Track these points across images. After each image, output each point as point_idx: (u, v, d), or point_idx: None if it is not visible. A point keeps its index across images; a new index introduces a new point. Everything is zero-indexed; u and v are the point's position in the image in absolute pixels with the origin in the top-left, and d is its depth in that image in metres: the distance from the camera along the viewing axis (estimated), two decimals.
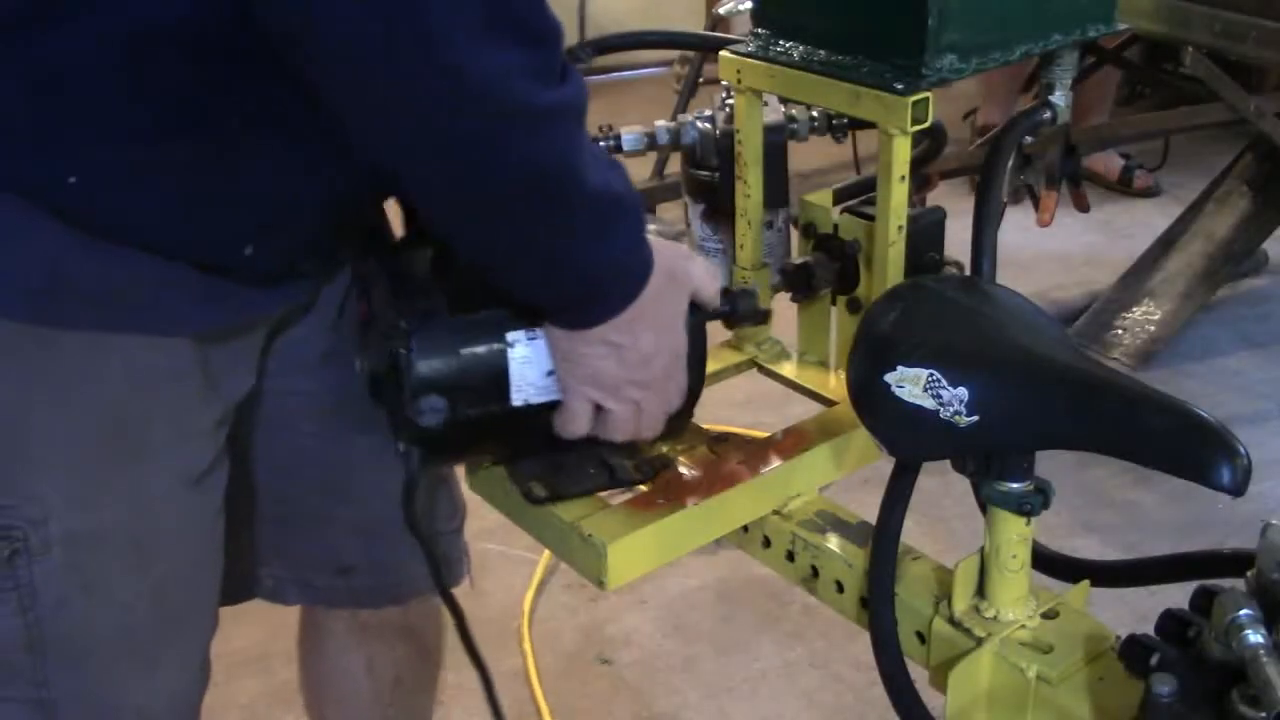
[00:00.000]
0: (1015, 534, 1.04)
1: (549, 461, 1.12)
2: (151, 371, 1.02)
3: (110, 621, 1.06)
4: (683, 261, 1.05)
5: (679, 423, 1.11)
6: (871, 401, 1.02)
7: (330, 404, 1.25)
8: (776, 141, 1.33)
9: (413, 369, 1.00)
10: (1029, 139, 1.29)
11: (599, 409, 1.05)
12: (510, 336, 1.02)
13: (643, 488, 1.14)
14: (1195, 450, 0.88)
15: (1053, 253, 3.62)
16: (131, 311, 0.99)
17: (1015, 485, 1.01)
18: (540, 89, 0.87)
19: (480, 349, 1.02)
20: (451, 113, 0.85)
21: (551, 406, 1.06)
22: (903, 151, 1.14)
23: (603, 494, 1.13)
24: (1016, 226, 3.81)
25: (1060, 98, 1.24)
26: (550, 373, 1.04)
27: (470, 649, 1.22)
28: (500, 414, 1.04)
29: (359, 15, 0.81)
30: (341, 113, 0.88)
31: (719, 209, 1.36)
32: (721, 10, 3.43)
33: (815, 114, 1.43)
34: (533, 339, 1.03)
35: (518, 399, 1.04)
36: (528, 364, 1.03)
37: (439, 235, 1.02)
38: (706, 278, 1.07)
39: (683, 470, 1.16)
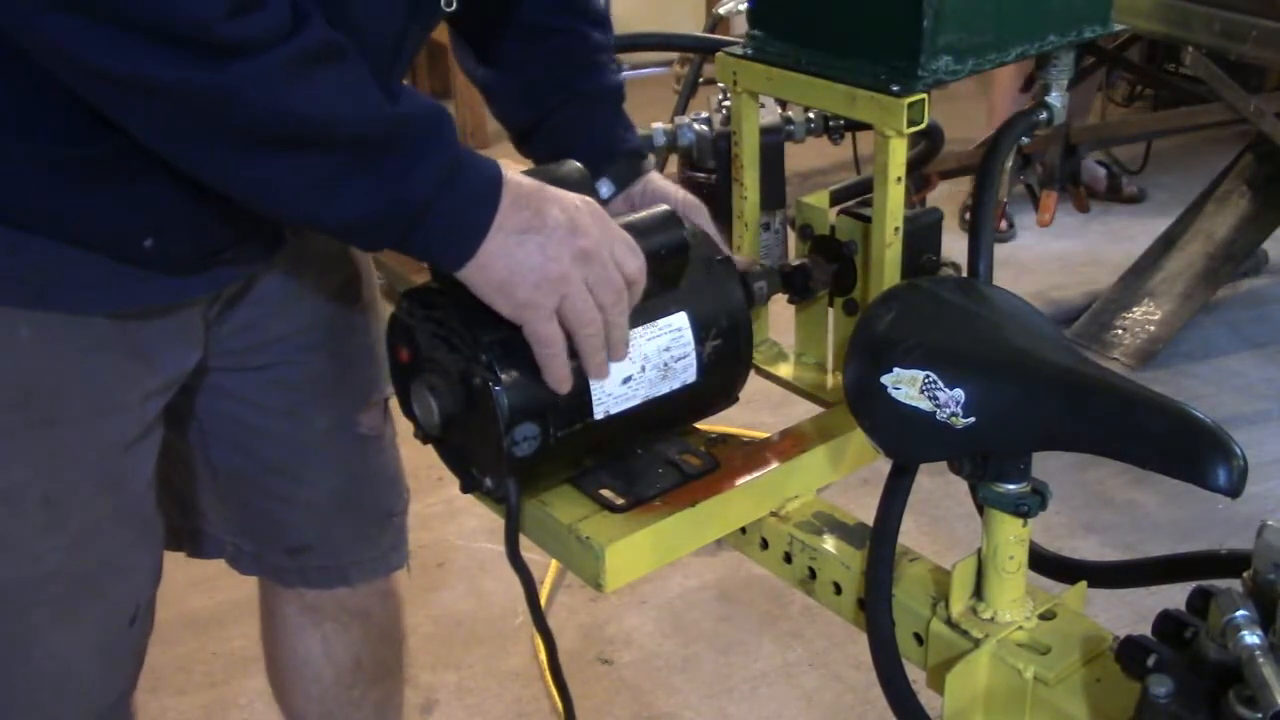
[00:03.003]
0: (1012, 535, 1.04)
1: (612, 470, 1.12)
2: (62, 345, 1.04)
3: (19, 572, 1.08)
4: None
5: (670, 264, 1.07)
6: (868, 403, 1.02)
7: (289, 383, 1.26)
8: (773, 143, 1.33)
9: (504, 401, 1.00)
10: (1026, 140, 1.29)
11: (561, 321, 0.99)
12: None
13: None
14: (1192, 451, 0.87)
15: (1053, 253, 3.62)
16: (39, 290, 1.01)
17: (1012, 487, 1.01)
18: (222, 23, 0.82)
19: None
20: (121, 60, 0.83)
21: (627, 415, 1.06)
22: (899, 153, 1.14)
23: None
24: (1016, 227, 3.84)
25: (1057, 99, 1.24)
26: (626, 380, 1.04)
27: (556, 674, 1.22)
28: (584, 430, 1.04)
29: None
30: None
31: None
32: (721, 10, 3.43)
33: (812, 116, 1.43)
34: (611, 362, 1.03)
35: (600, 411, 1.04)
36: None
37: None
38: None
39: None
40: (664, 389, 1.07)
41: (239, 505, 1.36)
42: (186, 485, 1.34)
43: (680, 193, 1.21)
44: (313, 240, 1.22)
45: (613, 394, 1.04)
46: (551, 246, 0.96)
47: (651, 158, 1.23)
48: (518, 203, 0.96)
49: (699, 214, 1.18)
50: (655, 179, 1.23)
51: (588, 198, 1.01)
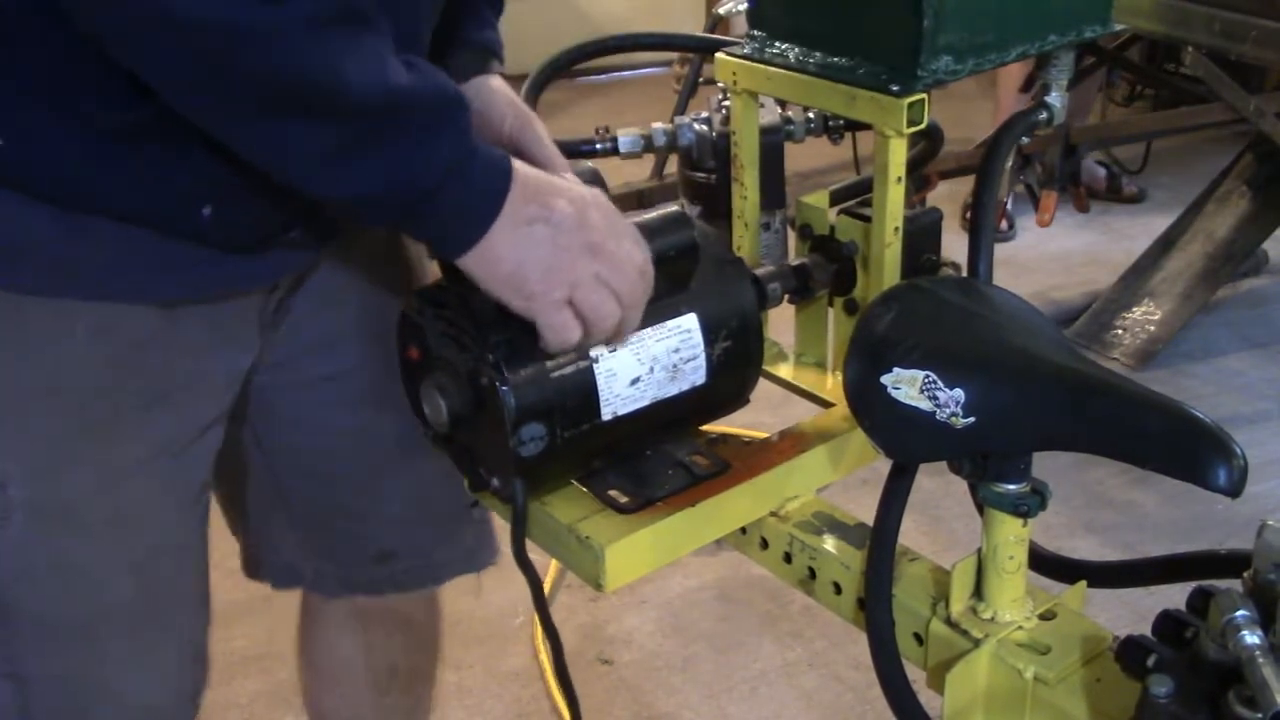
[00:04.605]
0: (1012, 535, 1.04)
1: (621, 471, 1.12)
2: (118, 339, 1.00)
3: (86, 599, 1.03)
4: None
5: (680, 265, 1.06)
6: (868, 403, 1.02)
7: (353, 389, 1.21)
8: (773, 143, 1.33)
9: (511, 401, 0.99)
10: (1026, 140, 1.29)
11: (575, 313, 0.97)
12: (594, 352, 1.02)
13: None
14: (1191, 451, 0.87)
15: (1053, 253, 3.62)
16: (94, 279, 0.97)
17: (1012, 486, 1.01)
18: (254, 4, 0.81)
19: (568, 370, 1.02)
20: (164, 35, 0.81)
21: (635, 416, 1.06)
22: (899, 153, 1.14)
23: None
24: (1016, 227, 3.84)
25: (1056, 99, 1.24)
26: (634, 381, 1.04)
27: (562, 676, 1.22)
28: (592, 430, 1.04)
29: None
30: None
31: (716, 211, 1.36)
32: (721, 10, 3.43)
33: (811, 115, 1.43)
34: (613, 351, 1.03)
35: (607, 413, 1.04)
36: (612, 376, 1.03)
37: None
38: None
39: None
40: (672, 390, 1.07)
41: (316, 530, 1.31)
42: (258, 517, 1.30)
43: (515, 105, 1.13)
44: (364, 231, 1.16)
45: (620, 395, 1.04)
46: (561, 237, 0.95)
47: (499, 64, 1.16)
48: (526, 194, 0.94)
49: (535, 125, 1.11)
50: (494, 83, 1.15)
51: (596, 190, 1.00)
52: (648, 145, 1.46)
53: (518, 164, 0.95)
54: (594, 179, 1.09)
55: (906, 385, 0.98)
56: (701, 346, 1.08)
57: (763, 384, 1.25)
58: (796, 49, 1.20)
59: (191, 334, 1.04)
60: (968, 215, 1.95)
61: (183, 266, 0.99)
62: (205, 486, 1.13)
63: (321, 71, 0.84)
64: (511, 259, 0.94)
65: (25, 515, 0.98)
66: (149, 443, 1.04)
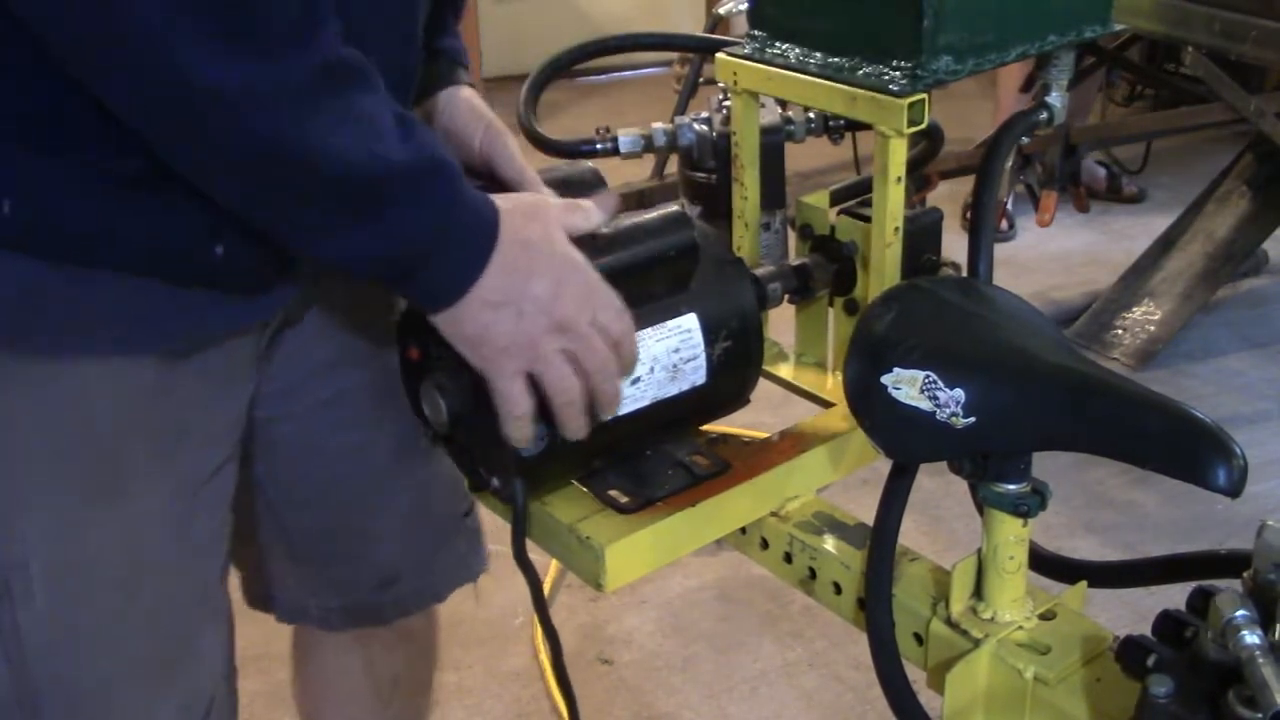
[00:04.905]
0: (1012, 535, 1.04)
1: (621, 471, 1.12)
2: (130, 391, 0.98)
3: (106, 656, 1.02)
4: (533, 199, 1.01)
5: (679, 265, 1.06)
6: (868, 403, 1.02)
7: (352, 410, 1.21)
8: (773, 143, 1.33)
9: None
10: (1026, 140, 1.29)
11: (533, 379, 0.98)
12: None
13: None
14: (1191, 451, 0.88)
15: (1053, 253, 3.62)
16: (104, 334, 0.95)
17: (1012, 486, 1.01)
18: (231, 64, 0.79)
19: None
20: (141, 89, 0.80)
21: (635, 416, 1.06)
22: (899, 153, 1.14)
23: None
24: (1017, 227, 3.83)
25: (1056, 99, 1.24)
26: (634, 381, 1.04)
27: (561, 676, 1.22)
28: (592, 430, 1.03)
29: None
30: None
31: (716, 211, 1.36)
32: (721, 10, 3.43)
33: (812, 115, 1.43)
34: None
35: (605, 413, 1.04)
36: None
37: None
38: (566, 208, 1.01)
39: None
40: (672, 390, 1.07)
41: (319, 563, 1.30)
42: (261, 556, 1.28)
43: (486, 119, 1.12)
44: None
45: (620, 394, 1.04)
46: (526, 319, 0.94)
47: (466, 74, 1.16)
48: (505, 267, 0.93)
49: (507, 141, 1.10)
50: (463, 94, 1.14)
51: (583, 260, 0.98)
52: (648, 145, 1.46)
53: (508, 224, 0.94)
54: (594, 179, 1.09)
55: (907, 385, 0.98)
56: (702, 346, 1.08)
57: (763, 384, 1.25)
58: (797, 49, 1.20)
59: (196, 379, 1.02)
60: (968, 215, 1.96)
61: (192, 310, 0.98)
62: (224, 528, 1.11)
63: (314, 144, 0.83)
64: (476, 326, 0.94)
65: (48, 588, 0.97)
66: (163, 494, 1.03)
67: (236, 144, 0.82)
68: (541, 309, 0.95)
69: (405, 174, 0.88)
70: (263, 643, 2.07)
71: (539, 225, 0.96)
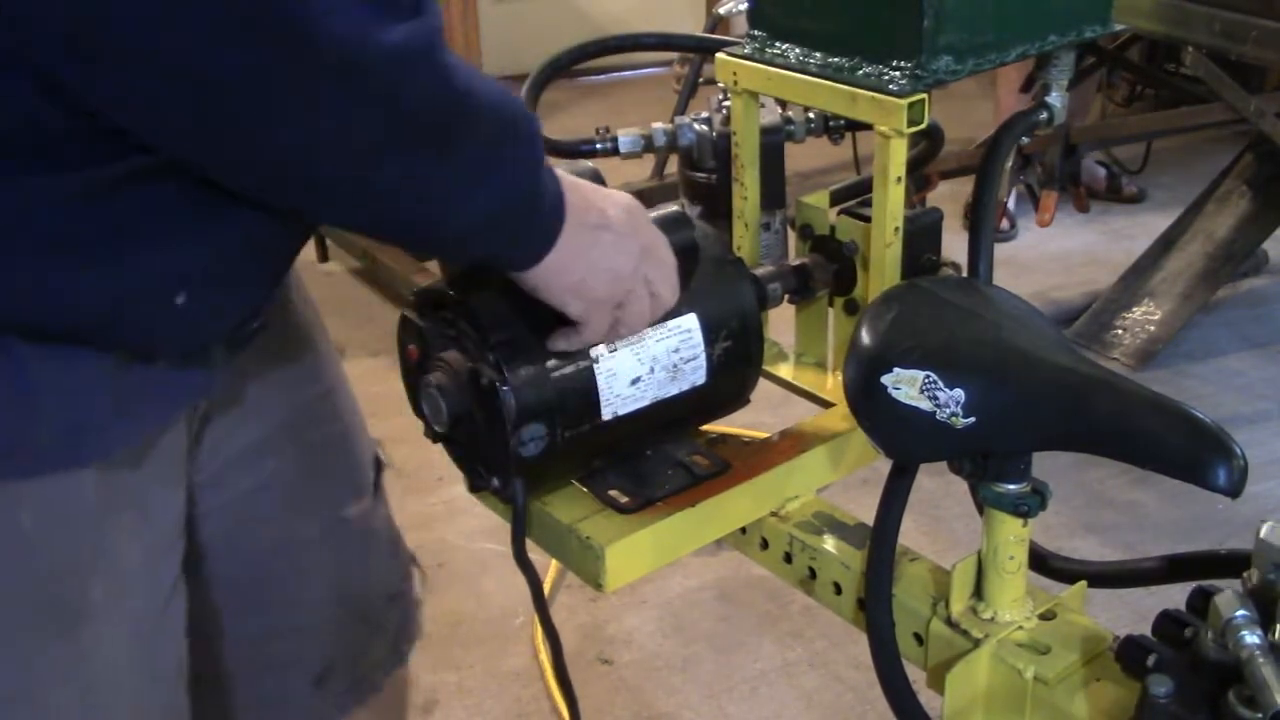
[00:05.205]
0: (1012, 535, 1.04)
1: (621, 471, 1.12)
2: (67, 514, 0.86)
3: None
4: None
5: (683, 264, 1.05)
6: (868, 403, 1.02)
7: (278, 497, 1.13)
8: (773, 143, 1.33)
9: (511, 401, 1.00)
10: (1026, 140, 1.29)
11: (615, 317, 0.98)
12: (594, 352, 1.02)
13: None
14: (1191, 451, 0.88)
15: (1053, 253, 3.62)
16: (41, 450, 0.83)
17: (1012, 487, 1.02)
18: (387, 25, 0.74)
19: (569, 369, 1.02)
20: (299, 78, 0.73)
21: (635, 416, 1.06)
22: (899, 153, 1.14)
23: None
24: (1018, 227, 3.83)
25: (1057, 99, 1.24)
26: (634, 381, 1.04)
27: (561, 676, 1.21)
28: (592, 430, 1.04)
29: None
30: (194, 146, 0.75)
31: (716, 211, 1.36)
32: (721, 10, 3.43)
33: (812, 115, 1.43)
34: (613, 351, 1.03)
35: (607, 413, 1.04)
36: (613, 376, 1.03)
37: (353, 228, 0.91)
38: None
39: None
40: (672, 390, 1.07)
41: (251, 673, 1.19)
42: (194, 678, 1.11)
43: None
44: (272, 326, 1.04)
45: (621, 395, 1.04)
46: (623, 243, 0.95)
47: None
48: (583, 200, 0.93)
49: None
50: None
51: (627, 194, 1.00)
52: (648, 145, 1.46)
53: (558, 170, 0.93)
54: (594, 179, 1.09)
55: (907, 385, 0.98)
56: (702, 346, 1.08)
57: (763, 384, 1.25)
58: (797, 49, 1.20)
59: (133, 486, 0.92)
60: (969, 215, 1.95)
61: (136, 399, 0.88)
62: (181, 659, 1.01)
63: (466, 87, 0.80)
64: (579, 268, 0.93)
65: None
66: (123, 627, 0.92)
67: (407, 98, 0.77)
68: (629, 232, 0.96)
69: (523, 113, 0.86)
70: None
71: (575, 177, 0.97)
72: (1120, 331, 3.07)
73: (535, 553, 1.10)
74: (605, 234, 0.94)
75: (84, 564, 0.88)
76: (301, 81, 0.73)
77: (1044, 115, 1.23)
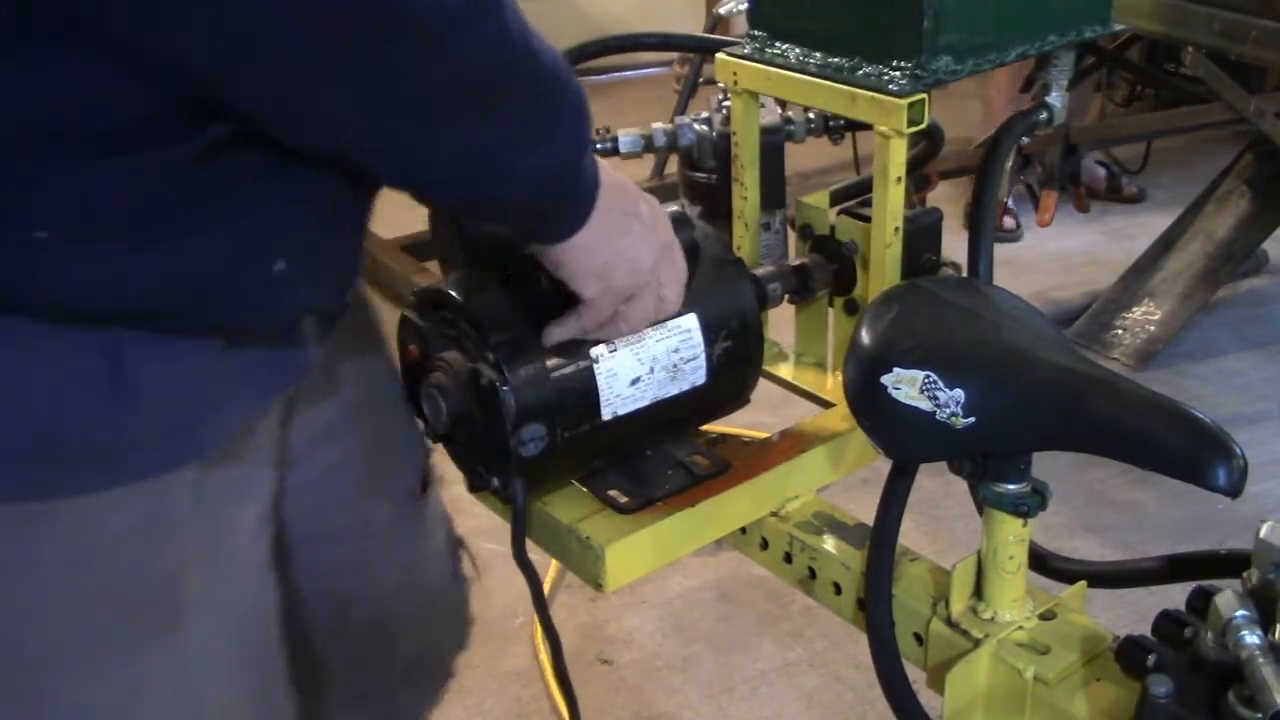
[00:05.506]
0: (1012, 535, 1.04)
1: (621, 471, 1.12)
2: (173, 512, 0.86)
3: None
4: None
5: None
6: (868, 403, 1.02)
7: (349, 479, 1.11)
8: (773, 143, 1.33)
9: (511, 401, 1.00)
10: (1026, 140, 1.29)
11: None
12: (594, 352, 1.03)
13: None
14: (1191, 451, 0.88)
15: (1053, 253, 3.62)
16: (140, 451, 0.82)
17: (1012, 487, 1.02)
18: None
19: (569, 370, 1.02)
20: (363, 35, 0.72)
21: (635, 416, 1.06)
22: (899, 153, 1.14)
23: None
24: (1022, 227, 3.84)
25: (1057, 99, 1.24)
26: (634, 381, 1.04)
27: (561, 676, 1.22)
28: (592, 430, 1.04)
29: None
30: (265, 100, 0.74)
31: (716, 211, 1.36)
32: (721, 10, 3.43)
33: (812, 116, 1.43)
34: (613, 351, 1.03)
35: (607, 413, 1.04)
36: (613, 376, 1.04)
37: (408, 187, 0.87)
38: None
39: None
40: (672, 390, 1.07)
41: (336, 664, 1.18)
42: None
43: None
44: (351, 307, 1.03)
45: (620, 395, 1.04)
46: (649, 237, 0.96)
47: None
48: (617, 185, 0.93)
49: None
50: None
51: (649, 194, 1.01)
52: (648, 145, 1.46)
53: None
54: None
55: (907, 385, 0.98)
56: (702, 346, 1.08)
57: (763, 384, 1.25)
58: (797, 49, 1.20)
59: (231, 473, 0.91)
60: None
61: (237, 388, 0.87)
62: (273, 635, 1.00)
63: (527, 45, 0.80)
64: (605, 251, 0.94)
65: None
66: (220, 622, 0.92)
67: (472, 57, 0.77)
68: (653, 227, 0.97)
69: (574, 83, 0.85)
70: None
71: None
72: (1120, 331, 3.07)
73: (535, 553, 1.10)
74: (635, 224, 0.95)
75: (183, 559, 0.88)
76: (369, 38, 0.72)
77: (1044, 115, 1.23)
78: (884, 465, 1.09)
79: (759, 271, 1.20)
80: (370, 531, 1.15)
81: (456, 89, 0.77)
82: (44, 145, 0.74)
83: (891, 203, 1.16)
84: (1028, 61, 1.24)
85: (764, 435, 1.21)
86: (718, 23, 3.45)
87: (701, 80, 3.57)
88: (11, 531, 0.80)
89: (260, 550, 0.98)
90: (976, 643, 1.04)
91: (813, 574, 1.17)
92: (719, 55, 1.26)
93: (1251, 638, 0.85)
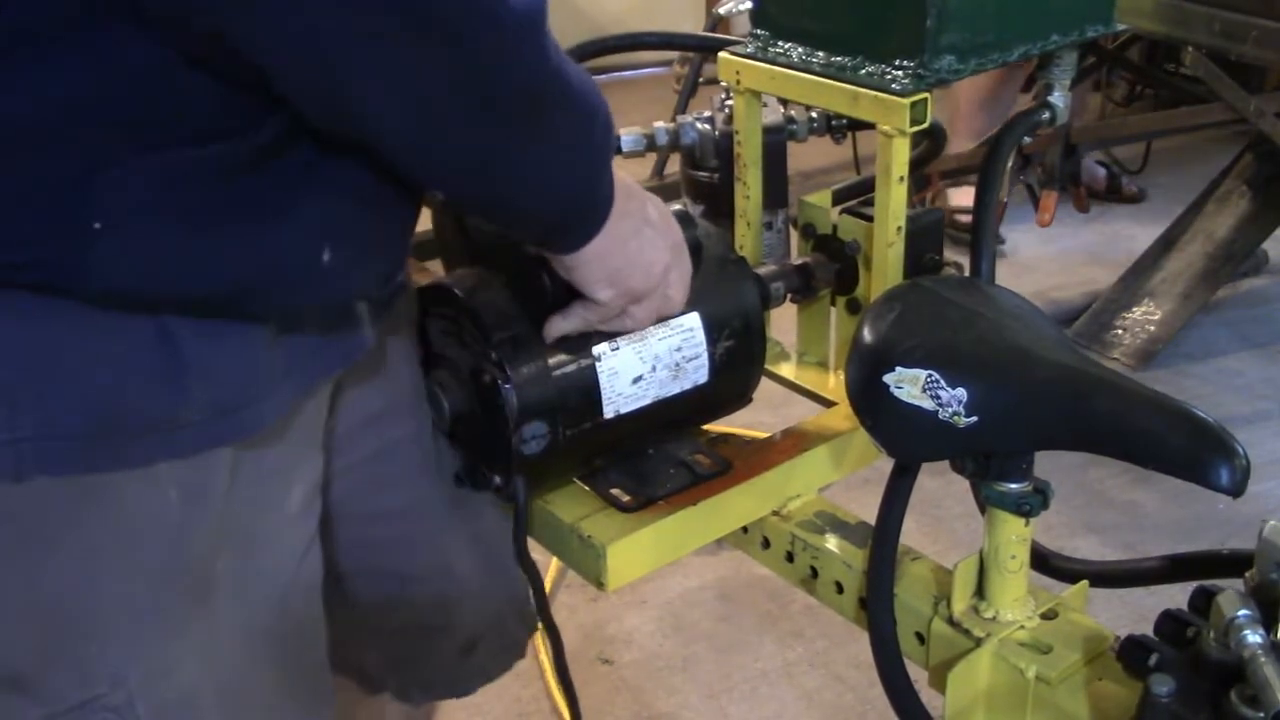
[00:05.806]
0: (1014, 535, 1.04)
1: (623, 470, 1.12)
2: (210, 493, 0.88)
3: None
4: None
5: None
6: (870, 402, 1.02)
7: (400, 464, 1.12)
8: (776, 142, 1.33)
9: (513, 399, 1.00)
10: (1026, 140, 1.29)
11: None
12: (596, 350, 1.03)
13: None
14: (1193, 451, 0.88)
15: (1053, 253, 3.62)
16: (188, 428, 0.84)
17: (1014, 486, 1.01)
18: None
19: (571, 368, 1.02)
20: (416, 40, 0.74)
21: (637, 414, 1.06)
22: (901, 152, 1.14)
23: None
24: (1017, 227, 3.85)
25: (1059, 98, 1.24)
26: (636, 379, 1.05)
27: (562, 675, 1.22)
28: (593, 429, 1.04)
29: None
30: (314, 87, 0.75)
31: (719, 210, 1.36)
32: (721, 10, 3.43)
33: (814, 115, 1.43)
34: (615, 349, 1.04)
35: (609, 411, 1.04)
36: (615, 375, 1.04)
37: (444, 189, 0.90)
38: None
39: None
40: (674, 389, 1.07)
41: (399, 644, 1.22)
42: (334, 637, 1.12)
43: None
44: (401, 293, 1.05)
45: (623, 393, 1.04)
46: (660, 240, 0.98)
47: None
48: (628, 190, 0.95)
49: None
50: None
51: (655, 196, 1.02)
52: (650, 144, 1.46)
53: None
54: None
55: (909, 384, 0.98)
56: (704, 345, 1.08)
57: (765, 383, 1.25)
58: (800, 48, 1.20)
59: (276, 453, 0.92)
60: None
61: (287, 370, 0.88)
62: (316, 608, 1.02)
63: (560, 66, 0.82)
64: (618, 256, 0.95)
65: (148, 713, 0.89)
66: (249, 601, 0.94)
67: (517, 69, 0.79)
68: (664, 230, 0.99)
69: (602, 99, 0.87)
70: None
71: None
72: (1120, 331, 3.07)
73: (536, 551, 1.10)
74: (647, 228, 0.96)
75: (218, 536, 0.90)
76: (421, 45, 0.74)
77: (1046, 115, 1.23)
78: (886, 465, 1.09)
79: (761, 271, 1.20)
80: (426, 512, 1.16)
81: (494, 102, 0.79)
82: (102, 135, 0.75)
83: (894, 202, 1.16)
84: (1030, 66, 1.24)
85: (766, 434, 1.21)
86: (718, 22, 3.45)
87: (701, 80, 3.57)
88: (72, 503, 0.83)
89: (305, 529, 0.99)
90: (978, 642, 1.04)
91: (815, 573, 1.17)
92: (722, 54, 1.26)
93: (1254, 637, 0.85)
